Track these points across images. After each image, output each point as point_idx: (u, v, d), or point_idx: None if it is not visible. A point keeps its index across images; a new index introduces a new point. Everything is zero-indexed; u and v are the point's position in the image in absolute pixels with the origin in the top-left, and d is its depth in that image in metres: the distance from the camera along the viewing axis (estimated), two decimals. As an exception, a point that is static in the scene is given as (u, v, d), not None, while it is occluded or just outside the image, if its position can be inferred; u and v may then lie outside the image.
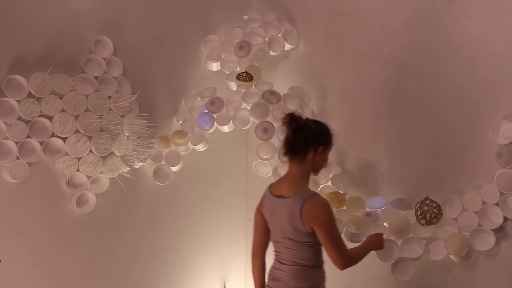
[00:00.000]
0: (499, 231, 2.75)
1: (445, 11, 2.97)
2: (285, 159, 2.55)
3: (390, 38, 3.20)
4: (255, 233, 2.67)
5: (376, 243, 2.70)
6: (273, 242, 2.59)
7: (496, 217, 2.74)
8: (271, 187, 2.62)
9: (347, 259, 2.43)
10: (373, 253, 2.96)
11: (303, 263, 2.46)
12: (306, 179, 2.52)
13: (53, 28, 2.93)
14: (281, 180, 2.60)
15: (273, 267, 2.58)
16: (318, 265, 2.50)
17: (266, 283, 2.61)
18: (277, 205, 2.50)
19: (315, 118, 2.75)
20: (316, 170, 2.56)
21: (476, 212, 2.80)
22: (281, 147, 2.56)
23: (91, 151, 2.96)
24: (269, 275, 2.60)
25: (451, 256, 2.84)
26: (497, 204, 2.73)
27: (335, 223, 2.44)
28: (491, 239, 2.74)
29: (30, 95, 2.78)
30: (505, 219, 2.72)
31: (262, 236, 2.64)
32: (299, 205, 2.40)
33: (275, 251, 2.58)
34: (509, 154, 2.68)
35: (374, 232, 2.82)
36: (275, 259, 2.57)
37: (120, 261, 3.24)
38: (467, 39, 2.89)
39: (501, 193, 2.72)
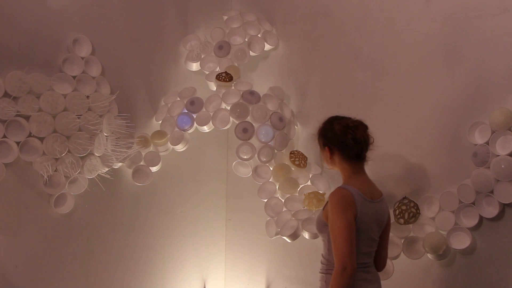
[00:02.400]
0: (475, 229, 2.79)
1: (422, 12, 3.00)
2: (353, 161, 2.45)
3: (368, 39, 3.23)
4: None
5: None
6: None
7: (472, 216, 2.77)
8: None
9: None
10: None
11: None
12: None
13: (30, 26, 2.89)
14: (366, 182, 2.47)
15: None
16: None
17: None
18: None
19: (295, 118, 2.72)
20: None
21: (453, 211, 2.84)
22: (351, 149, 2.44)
23: (69, 151, 2.93)
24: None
25: (429, 255, 2.87)
26: (473, 204, 2.77)
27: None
28: (467, 238, 2.77)
29: (6, 95, 2.74)
30: (481, 218, 2.76)
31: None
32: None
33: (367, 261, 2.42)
34: (485, 154, 2.72)
35: None
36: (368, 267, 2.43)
37: (98, 263, 3.21)
38: (444, 41, 2.93)
39: (477, 193, 2.75)
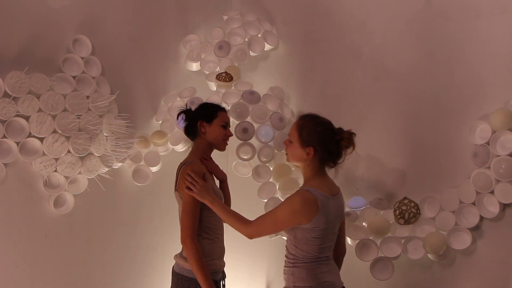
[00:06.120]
0: (475, 230, 2.79)
1: (423, 12, 3.00)
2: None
3: (368, 39, 3.23)
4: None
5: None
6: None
7: (473, 216, 2.77)
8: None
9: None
10: (352, 252, 2.99)
11: None
12: None
13: (30, 26, 2.89)
14: (326, 180, 2.50)
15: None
16: None
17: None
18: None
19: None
20: None
21: (453, 212, 2.84)
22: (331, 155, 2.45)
23: (69, 151, 2.93)
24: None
25: (429, 255, 2.87)
26: (474, 204, 2.77)
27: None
28: (467, 238, 2.77)
29: (6, 95, 2.74)
30: (481, 218, 2.76)
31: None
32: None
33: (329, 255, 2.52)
34: (485, 154, 2.72)
35: None
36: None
37: (99, 263, 3.21)
38: (445, 40, 2.93)
39: (477, 193, 2.75)
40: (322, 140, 2.41)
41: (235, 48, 3.52)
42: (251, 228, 2.43)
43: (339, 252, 2.63)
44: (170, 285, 2.71)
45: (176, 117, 2.85)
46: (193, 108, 2.80)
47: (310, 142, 2.42)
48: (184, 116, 2.75)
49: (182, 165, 2.64)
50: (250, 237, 2.46)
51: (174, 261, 2.71)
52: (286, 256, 2.47)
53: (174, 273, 2.68)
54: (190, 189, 2.53)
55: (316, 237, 2.36)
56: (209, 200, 2.53)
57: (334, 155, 2.44)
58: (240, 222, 2.46)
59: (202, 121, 2.69)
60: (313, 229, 2.35)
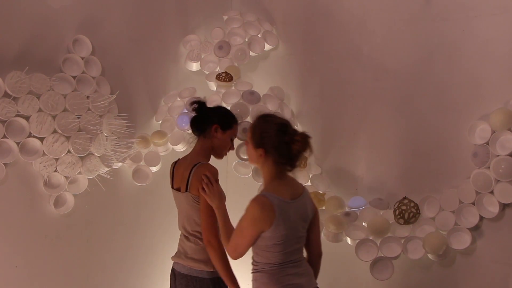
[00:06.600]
0: (475, 230, 2.79)
1: (422, 12, 3.00)
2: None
3: (368, 39, 3.23)
4: None
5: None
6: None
7: (472, 216, 2.78)
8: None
9: None
10: (352, 252, 2.99)
11: None
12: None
13: (30, 26, 2.89)
14: (287, 184, 2.42)
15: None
16: None
17: None
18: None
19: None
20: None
21: (453, 212, 2.84)
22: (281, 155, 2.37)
23: (69, 151, 2.93)
24: None
25: (429, 255, 2.88)
26: (473, 204, 2.77)
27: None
28: (467, 238, 2.78)
29: (6, 95, 2.74)
30: (481, 218, 2.76)
31: None
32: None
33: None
34: (485, 154, 2.73)
35: None
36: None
37: (99, 263, 3.21)
38: (444, 40, 2.93)
39: (477, 193, 2.75)
40: (272, 142, 2.31)
41: (235, 48, 3.52)
42: (228, 247, 2.38)
43: (313, 254, 2.49)
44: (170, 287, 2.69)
45: (189, 105, 2.75)
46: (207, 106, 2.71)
47: (260, 144, 2.33)
48: (197, 106, 2.67)
49: (194, 165, 2.56)
50: (232, 256, 2.38)
51: (177, 263, 2.65)
52: (251, 262, 2.41)
53: (181, 275, 2.62)
54: (204, 190, 2.49)
55: (276, 243, 2.28)
56: (216, 205, 2.49)
57: (285, 158, 2.32)
58: (227, 240, 2.41)
59: (218, 126, 2.64)
60: (273, 235, 2.26)
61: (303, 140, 2.29)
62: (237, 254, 2.35)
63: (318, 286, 2.42)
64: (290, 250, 2.33)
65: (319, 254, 2.52)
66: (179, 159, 2.76)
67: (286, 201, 2.30)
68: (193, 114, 2.71)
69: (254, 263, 2.38)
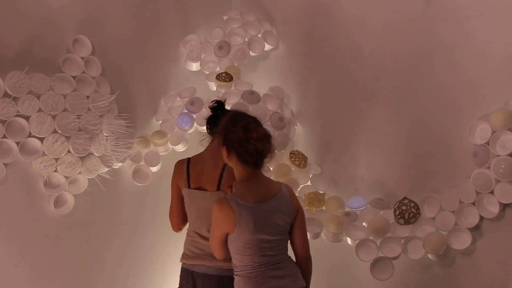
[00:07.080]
0: (475, 230, 2.78)
1: (423, 12, 3.00)
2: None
3: (368, 39, 3.23)
4: None
5: None
6: None
7: (473, 217, 2.77)
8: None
9: None
10: (352, 252, 2.99)
11: None
12: None
13: (30, 26, 2.89)
14: (257, 186, 2.38)
15: None
16: None
17: None
18: None
19: (290, 119, 2.64)
20: None
21: (453, 212, 2.84)
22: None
23: (69, 151, 2.93)
24: None
25: (429, 255, 2.87)
26: (474, 204, 2.77)
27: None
28: (467, 238, 2.77)
29: (6, 95, 2.74)
30: (481, 218, 2.76)
31: None
32: None
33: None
34: (485, 154, 2.72)
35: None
36: None
37: (99, 263, 3.21)
38: (444, 40, 2.93)
39: (477, 193, 2.75)
40: (231, 140, 2.27)
41: (235, 48, 3.52)
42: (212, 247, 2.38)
43: (300, 257, 2.40)
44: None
45: (208, 104, 2.68)
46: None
47: (224, 141, 2.29)
48: (214, 106, 2.59)
49: (225, 164, 2.43)
50: (215, 255, 2.39)
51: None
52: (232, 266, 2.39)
53: (208, 276, 2.51)
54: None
55: (246, 247, 2.25)
56: None
57: (245, 156, 2.25)
58: None
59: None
60: (240, 239, 2.23)
61: (261, 138, 2.24)
62: (215, 252, 2.36)
63: (306, 286, 2.37)
64: (265, 254, 2.28)
65: (305, 258, 2.41)
66: (189, 158, 2.67)
67: (249, 205, 2.24)
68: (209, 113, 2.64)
69: (233, 266, 2.35)
